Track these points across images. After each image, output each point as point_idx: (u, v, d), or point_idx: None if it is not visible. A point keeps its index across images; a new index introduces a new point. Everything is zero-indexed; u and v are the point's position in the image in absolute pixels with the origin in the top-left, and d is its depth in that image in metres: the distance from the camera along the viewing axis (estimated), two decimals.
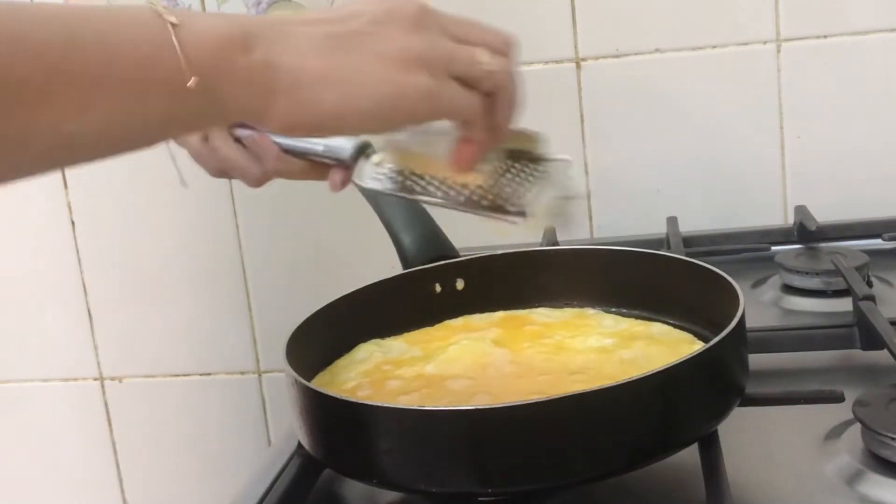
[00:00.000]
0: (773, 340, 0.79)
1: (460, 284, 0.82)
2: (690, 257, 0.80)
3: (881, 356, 0.75)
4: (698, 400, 0.60)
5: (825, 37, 1.08)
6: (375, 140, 0.68)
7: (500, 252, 0.85)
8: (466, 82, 0.55)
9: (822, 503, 0.61)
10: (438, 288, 0.81)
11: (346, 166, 0.69)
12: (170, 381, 1.27)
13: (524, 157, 0.64)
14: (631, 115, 1.13)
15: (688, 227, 1.06)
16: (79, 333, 1.27)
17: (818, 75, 1.08)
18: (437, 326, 0.80)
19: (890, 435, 0.61)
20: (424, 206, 0.84)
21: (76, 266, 1.25)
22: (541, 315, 0.80)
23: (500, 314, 0.81)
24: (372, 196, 0.78)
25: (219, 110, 0.49)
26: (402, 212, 0.89)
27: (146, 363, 1.27)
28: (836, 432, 0.67)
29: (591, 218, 1.16)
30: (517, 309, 0.81)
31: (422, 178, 0.64)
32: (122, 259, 1.25)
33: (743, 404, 0.64)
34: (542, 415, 0.56)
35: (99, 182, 1.23)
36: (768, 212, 1.12)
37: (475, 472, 0.57)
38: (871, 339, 0.77)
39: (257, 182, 0.75)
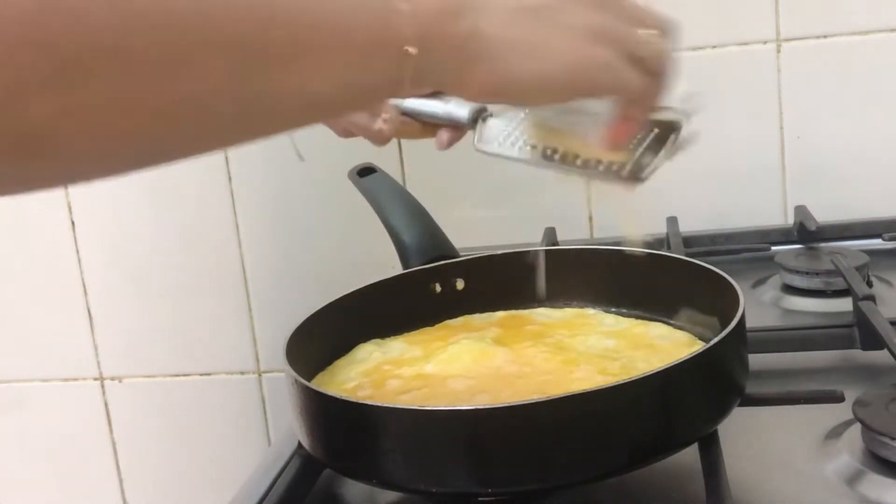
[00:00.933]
0: (773, 340, 0.79)
1: (460, 284, 0.82)
2: (690, 257, 0.80)
3: (881, 356, 0.75)
4: (698, 400, 0.60)
5: (825, 37, 1.08)
6: (493, 107, 0.72)
7: (500, 252, 0.85)
8: (635, 61, 0.57)
9: (822, 503, 0.61)
10: (438, 288, 0.82)
11: (458, 128, 0.75)
12: (170, 381, 1.27)
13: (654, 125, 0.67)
14: None
15: (688, 227, 1.06)
16: (79, 333, 1.27)
17: (818, 75, 1.08)
18: (437, 326, 0.80)
19: (890, 435, 0.61)
20: (427, 210, 0.89)
21: (76, 266, 1.25)
22: (541, 315, 0.80)
23: (500, 314, 0.81)
24: (494, 157, 0.79)
25: (423, 76, 0.50)
26: (403, 212, 0.89)
27: (146, 363, 1.27)
28: (836, 432, 0.67)
29: (591, 218, 1.16)
30: (517, 309, 0.81)
31: (556, 150, 0.67)
32: (122, 259, 1.25)
33: (743, 404, 0.64)
34: (542, 415, 0.56)
35: (99, 182, 1.23)
36: (768, 212, 1.12)
37: (475, 472, 0.57)
38: (871, 339, 0.77)
39: (381, 142, 0.79)
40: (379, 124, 0.76)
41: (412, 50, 0.48)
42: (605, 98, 0.59)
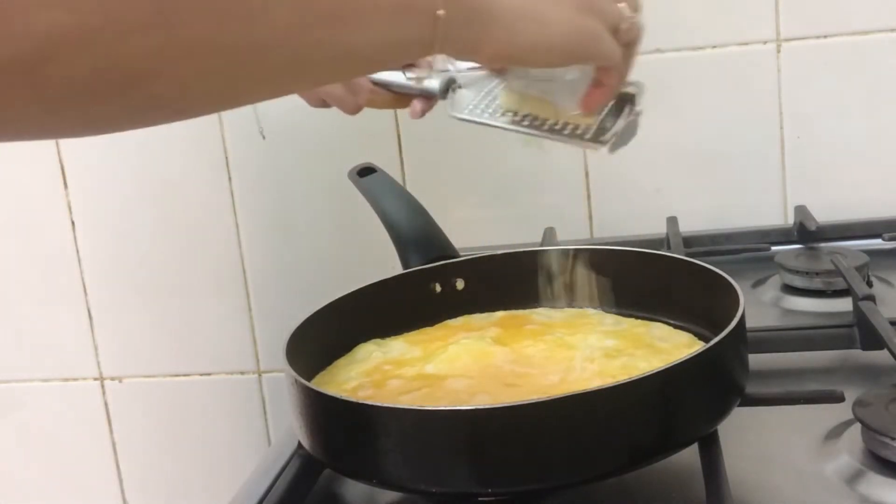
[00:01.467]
0: (773, 340, 0.79)
1: (460, 284, 0.82)
2: (690, 257, 0.80)
3: (881, 356, 0.75)
4: (698, 400, 0.60)
5: (825, 37, 1.08)
6: (462, 78, 0.77)
7: (500, 252, 0.85)
8: (615, 33, 0.64)
9: (822, 503, 0.61)
10: (438, 288, 0.82)
11: (430, 98, 0.80)
12: (170, 381, 1.27)
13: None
14: None
15: (688, 227, 1.06)
16: (79, 333, 1.27)
17: (818, 75, 1.08)
18: (437, 326, 0.80)
19: (890, 435, 0.61)
20: (427, 210, 0.90)
21: (76, 266, 1.25)
22: (541, 315, 0.80)
23: (500, 314, 0.81)
24: (467, 123, 0.81)
25: (447, 39, 0.54)
26: (403, 212, 0.89)
27: (146, 363, 1.27)
28: (836, 432, 0.67)
29: (591, 218, 1.16)
30: (517, 309, 0.81)
31: (526, 116, 0.73)
32: (122, 259, 1.25)
33: (743, 404, 0.64)
34: (542, 415, 0.56)
35: (99, 182, 1.23)
36: (768, 212, 1.12)
37: (475, 472, 0.57)
38: (871, 339, 0.77)
39: (353, 111, 0.84)
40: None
41: (441, 13, 0.53)
42: (589, 64, 0.66)
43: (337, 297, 0.77)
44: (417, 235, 0.87)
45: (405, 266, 0.86)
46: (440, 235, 0.89)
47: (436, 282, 0.82)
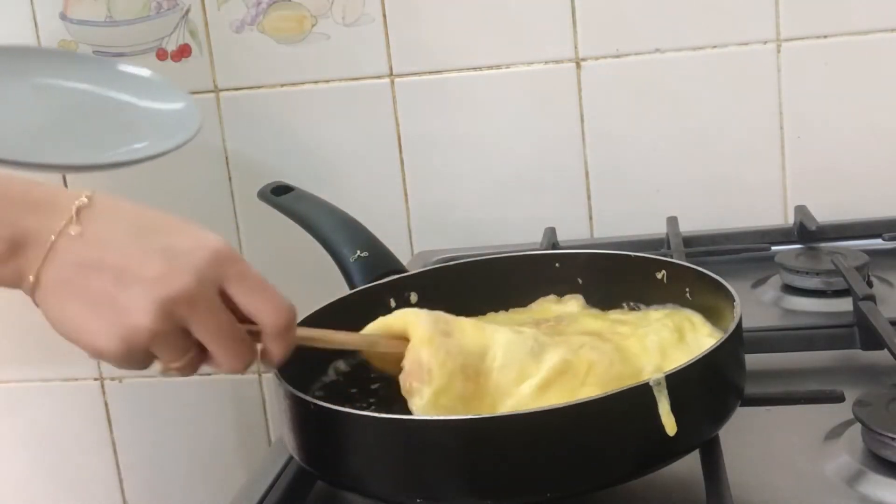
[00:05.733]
0: (772, 340, 0.79)
1: (414, 297, 0.81)
2: (690, 257, 0.80)
3: (881, 356, 0.75)
4: (699, 406, 0.60)
5: (825, 37, 1.08)
6: None
7: (451, 263, 0.84)
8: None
9: (822, 503, 0.61)
10: (393, 303, 0.80)
11: None
12: (170, 381, 1.27)
13: None
14: (631, 115, 1.13)
15: (688, 227, 1.06)
16: None
17: (818, 75, 1.08)
18: None
19: (890, 435, 0.61)
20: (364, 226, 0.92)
21: None
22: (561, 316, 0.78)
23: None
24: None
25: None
26: (341, 231, 0.89)
27: None
28: (836, 432, 0.67)
29: (591, 218, 1.16)
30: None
31: None
32: None
33: (743, 405, 0.64)
34: (540, 425, 0.55)
35: (99, 182, 1.23)
36: (768, 212, 1.12)
37: (473, 484, 0.56)
38: (871, 339, 0.77)
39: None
40: None
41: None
42: None
43: (321, 306, 0.75)
44: (363, 253, 0.87)
45: (351, 286, 0.86)
46: (386, 252, 0.89)
47: (390, 297, 0.80)
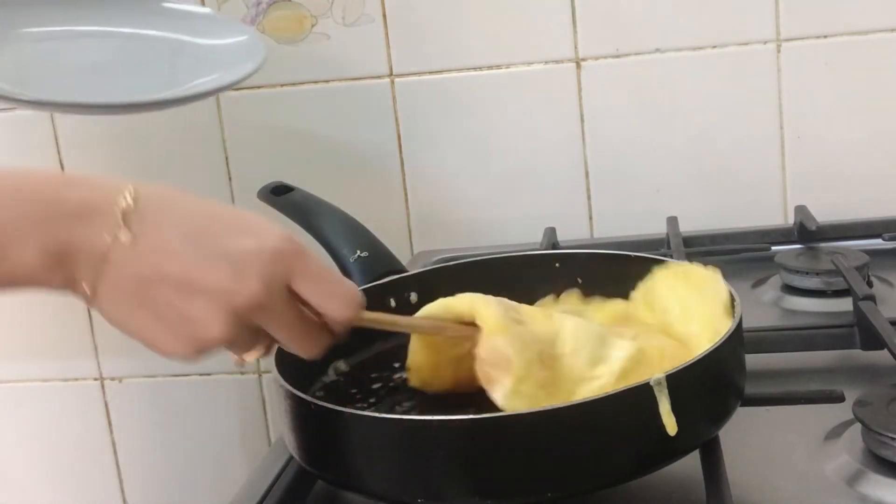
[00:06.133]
0: (773, 340, 0.79)
1: (414, 298, 0.81)
2: (690, 257, 0.80)
3: (881, 356, 0.75)
4: (698, 407, 0.60)
5: (825, 37, 1.08)
6: None
7: (451, 264, 0.84)
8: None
9: (822, 503, 0.61)
10: (393, 303, 0.80)
11: None
12: (170, 381, 1.27)
13: None
14: (631, 115, 1.13)
15: (688, 227, 1.06)
16: (79, 333, 1.27)
17: (818, 75, 1.08)
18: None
19: (890, 435, 0.61)
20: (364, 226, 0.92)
21: None
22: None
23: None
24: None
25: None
26: (341, 232, 0.89)
27: (146, 363, 1.27)
28: (836, 432, 0.67)
29: (591, 218, 1.16)
30: None
31: None
32: None
33: (743, 405, 0.64)
34: (541, 425, 0.55)
35: None
36: (768, 212, 1.12)
37: (473, 484, 0.56)
38: (871, 339, 0.77)
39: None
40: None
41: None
42: None
43: None
44: (364, 254, 0.87)
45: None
46: (386, 252, 0.88)
47: (390, 297, 0.80)
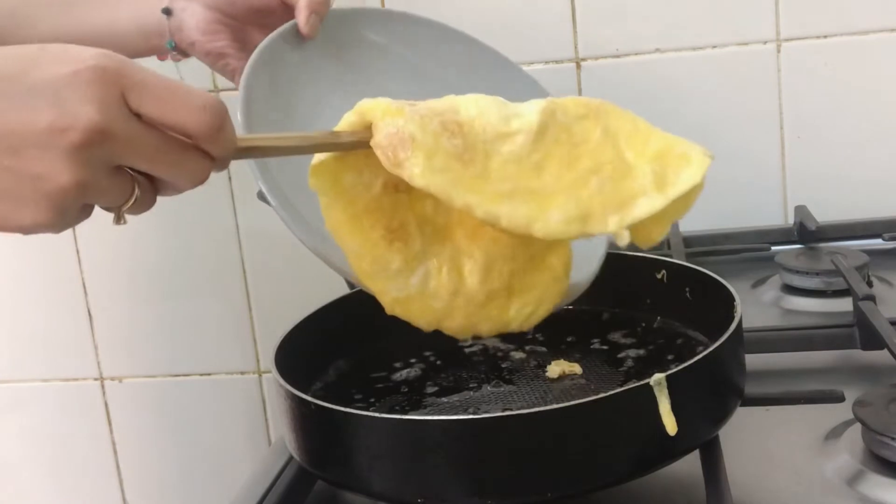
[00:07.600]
0: (772, 340, 0.79)
1: None
2: (690, 257, 0.80)
3: (881, 356, 0.75)
4: (698, 407, 0.60)
5: (825, 37, 1.08)
6: None
7: None
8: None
9: (822, 503, 0.61)
10: None
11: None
12: (170, 381, 1.27)
13: None
14: None
15: (688, 227, 1.06)
16: (79, 333, 1.27)
17: (818, 75, 1.08)
18: None
19: (890, 435, 0.61)
20: None
21: (76, 266, 1.25)
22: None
23: None
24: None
25: None
26: None
27: (146, 363, 1.27)
28: (836, 432, 0.67)
29: None
30: None
31: None
32: (122, 259, 1.24)
33: (743, 404, 0.64)
34: (542, 426, 0.55)
35: None
36: (768, 212, 1.12)
37: (473, 483, 0.56)
38: (871, 339, 0.77)
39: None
40: None
41: None
42: None
43: (322, 306, 0.76)
44: None
45: (351, 285, 0.85)
46: None
47: None
